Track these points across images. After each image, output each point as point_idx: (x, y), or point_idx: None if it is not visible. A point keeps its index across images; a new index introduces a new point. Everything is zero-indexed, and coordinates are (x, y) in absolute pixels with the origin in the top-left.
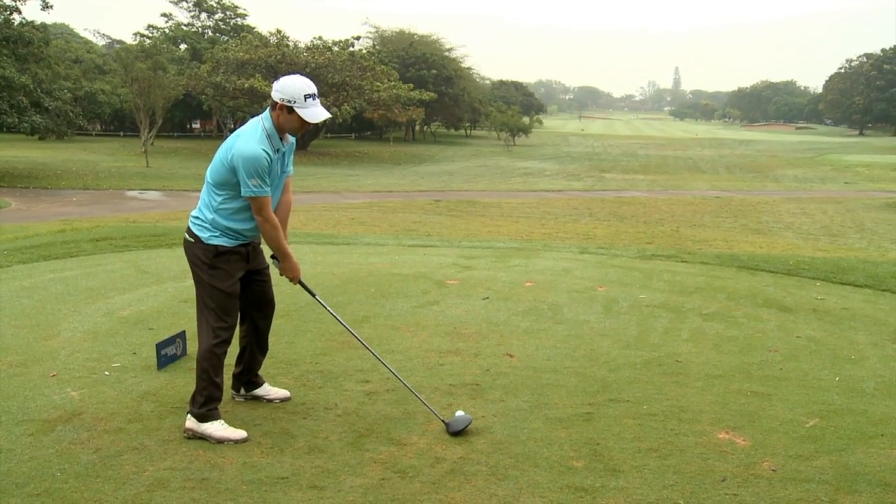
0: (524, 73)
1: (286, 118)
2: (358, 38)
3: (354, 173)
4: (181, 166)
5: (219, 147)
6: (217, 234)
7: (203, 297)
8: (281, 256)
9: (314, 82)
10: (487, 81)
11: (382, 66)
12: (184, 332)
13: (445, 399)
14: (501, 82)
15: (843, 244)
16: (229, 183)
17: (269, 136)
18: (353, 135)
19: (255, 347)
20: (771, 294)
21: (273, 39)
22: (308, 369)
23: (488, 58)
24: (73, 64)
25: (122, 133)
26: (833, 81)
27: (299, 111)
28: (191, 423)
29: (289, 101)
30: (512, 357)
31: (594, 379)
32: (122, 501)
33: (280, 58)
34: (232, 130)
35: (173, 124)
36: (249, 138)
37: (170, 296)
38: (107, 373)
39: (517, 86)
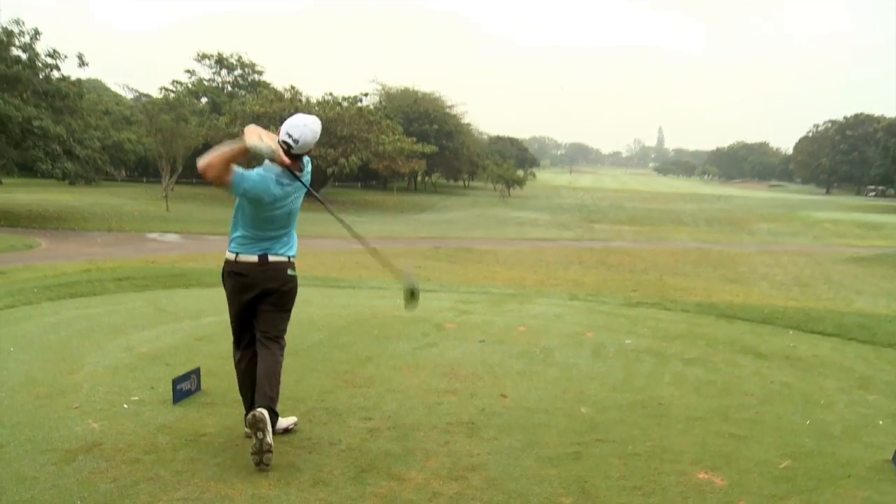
0: (519, 129)
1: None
2: (366, 95)
3: (360, 220)
4: (199, 211)
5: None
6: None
7: (287, 319)
8: (226, 156)
9: (324, 134)
10: (485, 136)
11: (388, 121)
12: (198, 368)
13: (442, 437)
14: (498, 137)
15: (812, 295)
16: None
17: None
18: (360, 184)
19: None
20: (747, 341)
21: (287, 95)
22: (314, 406)
23: (486, 114)
24: (103, 115)
25: (145, 179)
26: (802, 144)
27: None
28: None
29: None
30: (506, 398)
31: (582, 420)
32: None
33: (293, 112)
34: None
35: (193, 172)
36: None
37: (186, 334)
38: (126, 406)
39: (512, 141)
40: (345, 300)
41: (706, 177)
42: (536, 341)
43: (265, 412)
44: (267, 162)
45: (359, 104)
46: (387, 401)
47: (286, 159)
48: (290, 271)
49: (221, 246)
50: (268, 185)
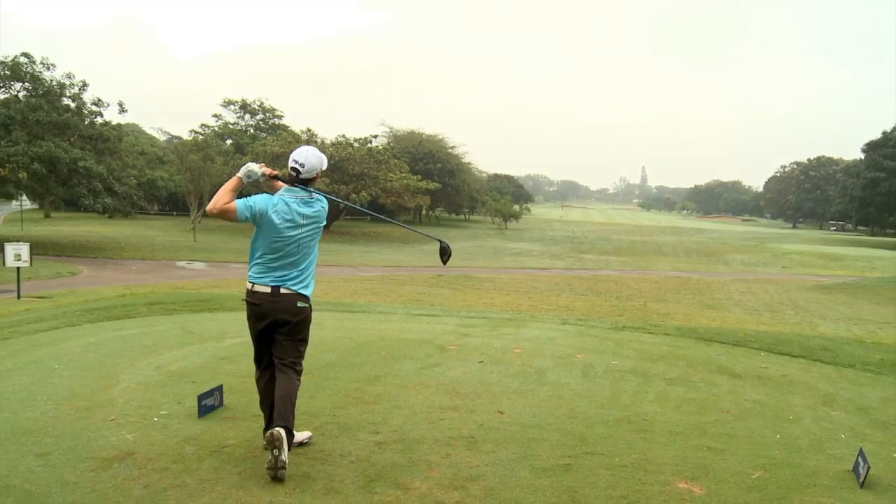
0: (515, 167)
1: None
2: (375, 136)
3: (370, 250)
4: (223, 241)
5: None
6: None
7: (304, 344)
8: (229, 187)
9: (337, 172)
10: (484, 174)
11: (395, 160)
12: (221, 385)
13: (444, 449)
14: (496, 175)
15: (781, 319)
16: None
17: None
18: (369, 217)
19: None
20: (723, 362)
21: (304, 136)
22: (327, 421)
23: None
24: (139, 155)
25: (175, 213)
26: (771, 183)
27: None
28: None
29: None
30: (503, 414)
31: (573, 434)
32: None
33: None
34: None
35: None
36: (322, 199)
37: (210, 354)
38: (156, 419)
39: (509, 178)
40: (355, 324)
41: (685, 212)
42: (531, 362)
43: (282, 431)
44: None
45: (369, 145)
46: (393, 416)
47: (278, 181)
48: (299, 303)
49: (244, 273)
50: (269, 201)
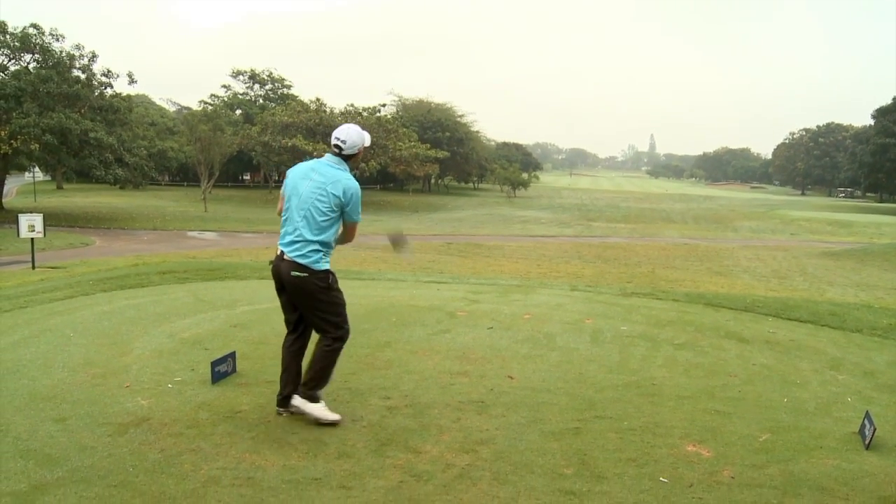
0: (524, 136)
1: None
2: (384, 105)
3: (379, 219)
4: (234, 211)
5: (302, 191)
6: (323, 257)
7: (325, 315)
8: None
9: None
10: (493, 142)
11: (404, 129)
12: (234, 352)
13: (455, 414)
14: (504, 143)
15: (789, 285)
16: (332, 211)
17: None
18: (379, 186)
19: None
20: (731, 327)
21: (313, 106)
22: (338, 387)
23: (494, 123)
24: (149, 126)
25: (185, 183)
26: (780, 150)
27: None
28: (298, 401)
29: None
30: (512, 378)
31: (582, 398)
32: (182, 494)
33: (318, 121)
34: (277, 182)
35: (228, 176)
36: (351, 177)
37: (222, 321)
38: (170, 385)
39: (518, 147)
40: (365, 291)
41: (693, 179)
42: (540, 328)
43: (298, 399)
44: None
45: (378, 114)
46: (404, 381)
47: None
48: (293, 272)
49: (255, 242)
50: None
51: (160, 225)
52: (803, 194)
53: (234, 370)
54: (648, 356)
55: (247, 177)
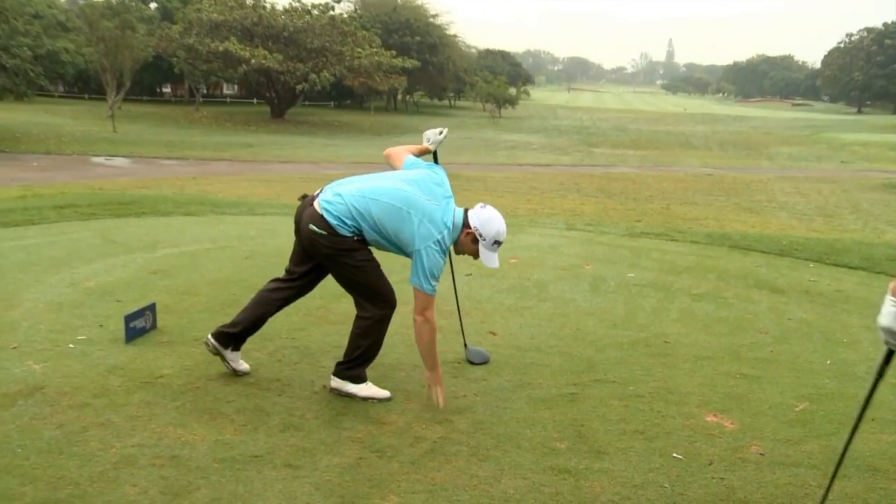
0: (512, 42)
1: (468, 244)
2: (339, 2)
3: (333, 143)
4: (151, 132)
5: (395, 190)
6: (353, 234)
7: (355, 284)
8: (431, 366)
9: (292, 47)
10: (473, 50)
11: (364, 32)
12: (153, 304)
13: (425, 376)
14: (488, 51)
15: (837, 225)
16: (393, 240)
17: (444, 247)
18: (332, 103)
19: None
20: (763, 275)
21: (249, 1)
22: (283, 345)
23: (475, 25)
24: (32, 19)
25: (86, 95)
26: (832, 56)
27: (482, 251)
28: (336, 383)
29: (481, 236)
30: (495, 335)
31: (579, 359)
32: (87, 479)
33: (256, 20)
34: (205, 96)
35: (142, 87)
36: (437, 255)
37: (139, 266)
38: (71, 345)
39: (504, 55)
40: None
41: (721, 95)
42: (529, 274)
43: (335, 380)
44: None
45: (331, 12)
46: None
47: None
48: (311, 225)
49: (177, 170)
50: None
51: (55, 148)
52: (860, 112)
53: (153, 326)
54: (660, 309)
55: (167, 89)
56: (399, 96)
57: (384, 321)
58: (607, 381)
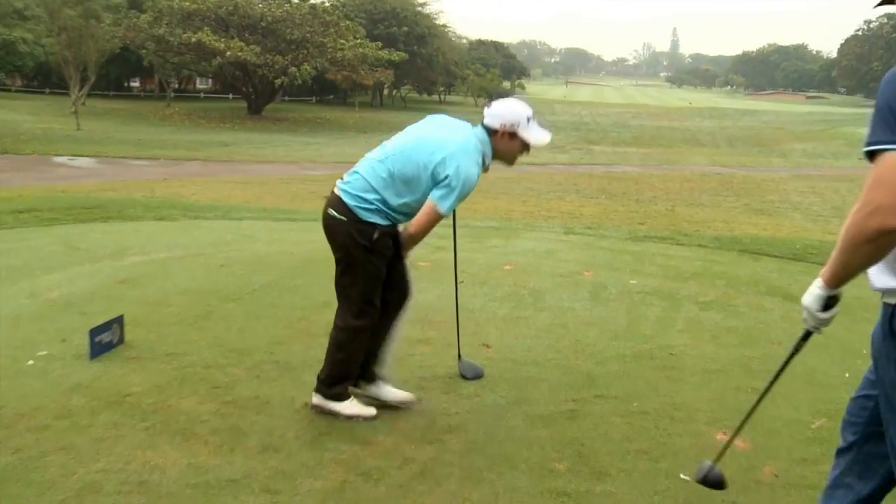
0: (505, 33)
1: (508, 144)
2: None
3: (315, 141)
4: (118, 130)
5: (406, 133)
6: (377, 211)
7: (349, 283)
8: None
9: (270, 38)
10: (464, 41)
11: (347, 22)
12: (121, 316)
13: (414, 393)
14: (480, 42)
15: None
16: (418, 184)
17: (483, 161)
18: (314, 98)
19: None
20: (775, 281)
21: None
22: (262, 359)
23: (466, 15)
24: None
25: (47, 90)
26: (849, 45)
27: (528, 136)
28: (318, 399)
29: (511, 126)
30: (489, 348)
31: (579, 373)
32: None
33: (232, 9)
34: (177, 91)
35: (108, 82)
36: (472, 161)
37: (105, 276)
38: (30, 362)
39: (497, 46)
40: (298, 235)
41: (730, 87)
42: (525, 282)
43: (316, 396)
44: (480, 160)
45: (312, 1)
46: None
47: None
48: (330, 210)
49: (146, 172)
50: None
51: (12, 147)
52: None
53: (120, 341)
54: (665, 318)
55: (135, 83)
56: (385, 91)
57: (359, 334)
58: (609, 397)
